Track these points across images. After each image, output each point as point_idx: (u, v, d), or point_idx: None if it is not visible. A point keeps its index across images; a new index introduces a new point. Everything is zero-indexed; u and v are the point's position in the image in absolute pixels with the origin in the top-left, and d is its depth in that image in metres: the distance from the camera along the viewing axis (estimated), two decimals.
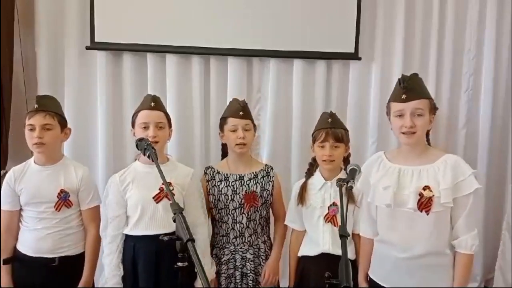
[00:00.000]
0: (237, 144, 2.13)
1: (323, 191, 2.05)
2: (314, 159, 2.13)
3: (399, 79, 1.80)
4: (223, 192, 2.15)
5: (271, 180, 2.21)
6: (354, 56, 2.72)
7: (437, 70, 2.77)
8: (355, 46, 2.70)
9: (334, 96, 2.78)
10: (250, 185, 2.16)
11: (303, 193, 2.09)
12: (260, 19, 2.62)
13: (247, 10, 2.62)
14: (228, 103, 2.64)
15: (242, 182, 2.17)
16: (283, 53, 2.66)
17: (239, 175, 2.17)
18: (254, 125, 2.25)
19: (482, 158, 2.86)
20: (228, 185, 2.16)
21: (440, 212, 1.73)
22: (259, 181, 2.19)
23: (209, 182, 2.19)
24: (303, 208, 2.09)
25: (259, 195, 2.16)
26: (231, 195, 2.15)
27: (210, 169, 2.23)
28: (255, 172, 2.20)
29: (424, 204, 1.73)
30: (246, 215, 2.14)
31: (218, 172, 2.20)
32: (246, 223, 2.15)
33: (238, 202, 2.14)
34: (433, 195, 1.71)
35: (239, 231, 2.15)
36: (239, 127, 2.13)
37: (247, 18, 2.62)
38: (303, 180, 2.15)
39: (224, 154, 2.31)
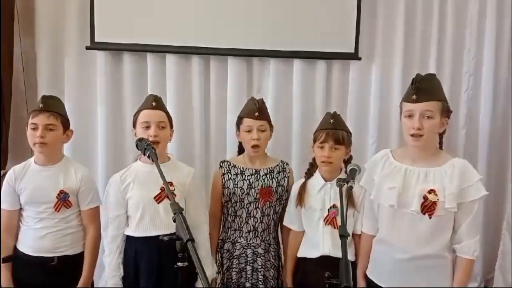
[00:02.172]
0: (251, 147, 2.13)
1: (322, 193, 2.03)
2: (314, 159, 2.12)
3: (412, 78, 1.77)
4: (238, 186, 2.15)
5: (286, 176, 2.22)
6: (354, 56, 2.71)
7: (437, 70, 2.75)
8: (355, 46, 2.70)
9: (334, 96, 2.78)
10: (266, 180, 2.16)
11: (302, 194, 2.06)
12: (260, 19, 2.62)
13: (247, 10, 2.62)
14: (228, 103, 2.66)
15: (258, 176, 2.17)
16: (283, 53, 2.66)
17: (255, 169, 2.18)
18: (271, 125, 2.23)
19: (482, 158, 2.86)
20: (244, 179, 2.16)
21: (443, 216, 1.72)
22: (274, 177, 2.19)
23: (225, 176, 2.19)
24: (302, 209, 2.07)
25: (274, 190, 2.16)
26: (246, 189, 2.15)
27: (225, 162, 2.23)
28: (271, 167, 2.21)
29: (428, 207, 1.71)
30: (261, 209, 2.15)
31: (234, 166, 2.20)
32: (260, 218, 2.15)
33: (253, 196, 2.14)
34: (438, 199, 1.70)
35: (252, 225, 2.15)
36: (254, 128, 2.12)
37: (247, 18, 2.62)
38: (302, 180, 2.13)
39: (241, 151, 2.30)
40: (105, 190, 2.08)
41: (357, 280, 1.96)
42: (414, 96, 1.72)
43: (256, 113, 2.13)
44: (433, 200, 1.70)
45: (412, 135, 1.73)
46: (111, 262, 1.97)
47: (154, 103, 2.04)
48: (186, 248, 1.24)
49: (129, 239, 2.00)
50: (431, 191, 1.71)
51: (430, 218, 1.72)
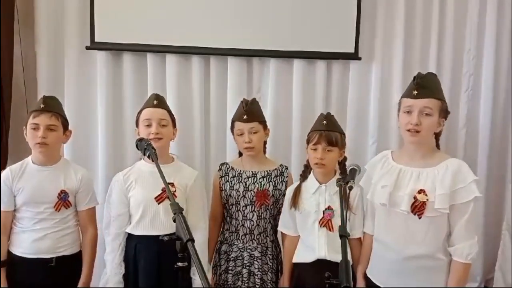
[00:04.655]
0: (244, 148, 2.14)
1: (317, 195, 2.00)
2: (308, 162, 2.08)
3: (414, 76, 1.77)
4: (235, 188, 2.16)
5: (284, 180, 2.20)
6: (354, 56, 2.71)
7: (437, 70, 2.75)
8: (355, 46, 2.69)
9: (334, 96, 2.78)
10: (262, 183, 2.16)
11: (296, 197, 2.03)
12: (260, 19, 2.62)
13: (247, 10, 2.61)
14: (228, 103, 2.67)
15: (255, 179, 2.16)
16: (283, 53, 2.66)
17: (252, 172, 2.18)
18: (264, 125, 2.21)
19: (482, 158, 2.86)
20: (241, 181, 2.16)
21: (435, 217, 1.70)
22: (272, 180, 2.18)
23: (222, 178, 2.20)
24: (297, 212, 2.04)
25: (271, 194, 2.15)
26: (242, 192, 2.15)
27: (225, 165, 2.24)
28: (269, 170, 2.20)
29: (418, 207, 1.71)
30: (257, 212, 2.14)
31: (232, 168, 2.21)
32: (256, 221, 2.14)
33: (250, 199, 2.14)
34: (427, 200, 1.69)
35: (249, 228, 2.15)
36: (245, 131, 2.12)
37: (247, 18, 2.62)
38: (297, 184, 2.10)
39: (241, 152, 2.29)
40: (105, 189, 2.08)
41: (356, 280, 1.95)
42: (415, 92, 1.71)
43: (245, 116, 2.13)
44: (422, 200, 1.70)
45: (408, 130, 1.72)
46: (113, 260, 1.97)
47: (155, 101, 2.05)
48: (186, 248, 1.24)
49: (129, 237, 2.01)
50: (421, 191, 1.71)
51: (419, 218, 1.71)
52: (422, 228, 1.72)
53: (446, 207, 1.68)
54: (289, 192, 2.09)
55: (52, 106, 1.99)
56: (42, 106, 1.96)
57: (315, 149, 1.99)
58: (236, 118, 2.18)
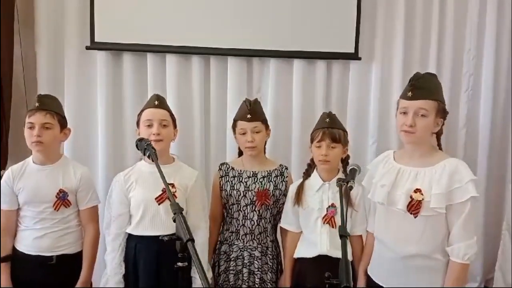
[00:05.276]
0: (246, 147, 2.14)
1: (321, 192, 2.02)
2: (312, 160, 2.12)
3: (411, 77, 1.78)
4: (235, 188, 2.16)
5: (284, 180, 2.21)
6: (354, 56, 2.71)
7: (437, 70, 2.75)
8: (355, 46, 2.70)
9: (334, 96, 2.78)
10: (263, 183, 2.16)
11: (300, 194, 2.06)
12: (260, 19, 2.62)
13: (247, 10, 2.62)
14: (228, 103, 2.67)
15: (255, 179, 2.17)
16: (283, 53, 2.66)
17: (252, 171, 2.18)
18: (266, 125, 2.22)
19: (482, 158, 2.86)
20: (241, 181, 2.17)
21: (431, 216, 1.70)
22: (272, 180, 2.19)
23: (223, 178, 2.20)
24: (300, 209, 2.06)
25: (271, 194, 2.16)
26: (243, 191, 2.15)
27: (225, 165, 2.24)
28: (269, 170, 2.20)
29: (414, 206, 1.71)
30: (257, 212, 2.14)
31: (233, 168, 2.21)
32: (256, 221, 2.15)
33: (250, 199, 2.14)
34: (423, 199, 1.69)
35: (249, 228, 2.15)
36: (248, 131, 2.13)
37: (247, 18, 2.62)
38: (300, 181, 2.12)
39: (241, 152, 2.31)
40: (105, 189, 2.08)
41: (357, 278, 1.97)
42: (410, 93, 1.72)
43: (248, 115, 2.14)
44: (418, 199, 1.70)
45: (403, 131, 1.73)
46: (113, 259, 1.98)
47: (156, 102, 2.06)
48: (186, 248, 1.24)
49: (129, 237, 2.01)
50: (417, 190, 1.71)
51: (415, 217, 1.71)
52: (419, 228, 1.73)
53: (442, 207, 1.68)
54: (292, 189, 2.12)
55: (47, 104, 1.99)
56: (36, 105, 1.97)
57: (319, 147, 2.02)
58: (239, 117, 2.18)
